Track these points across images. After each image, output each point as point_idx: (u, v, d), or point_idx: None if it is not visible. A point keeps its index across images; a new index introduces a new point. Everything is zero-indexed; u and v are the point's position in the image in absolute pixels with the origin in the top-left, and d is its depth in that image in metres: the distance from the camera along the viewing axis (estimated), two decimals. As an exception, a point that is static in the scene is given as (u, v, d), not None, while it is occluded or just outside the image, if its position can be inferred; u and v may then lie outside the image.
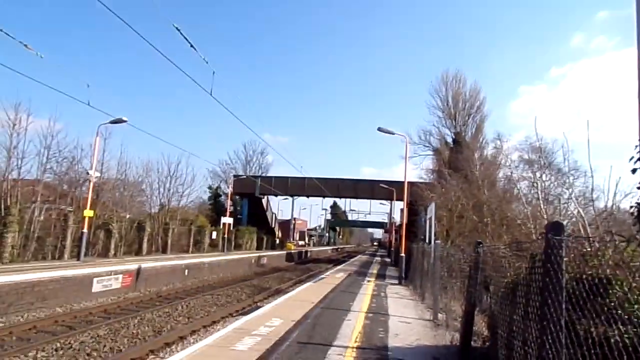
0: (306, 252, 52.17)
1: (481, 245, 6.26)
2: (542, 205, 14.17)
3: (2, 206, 17.42)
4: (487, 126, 33.40)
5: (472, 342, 6.11)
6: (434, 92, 34.50)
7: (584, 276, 3.20)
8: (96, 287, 14.59)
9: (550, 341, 2.86)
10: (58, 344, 8.64)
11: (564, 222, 6.27)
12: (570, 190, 11.84)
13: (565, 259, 3.01)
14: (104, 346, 8.78)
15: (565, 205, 13.23)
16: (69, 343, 8.79)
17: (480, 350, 5.86)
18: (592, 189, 8.98)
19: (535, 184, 15.04)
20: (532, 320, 3.32)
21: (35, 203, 19.66)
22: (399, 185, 33.65)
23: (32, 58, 19.94)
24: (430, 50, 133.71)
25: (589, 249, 3.76)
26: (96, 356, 8.12)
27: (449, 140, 33.59)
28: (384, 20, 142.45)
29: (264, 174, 54.98)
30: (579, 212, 9.09)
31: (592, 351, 2.78)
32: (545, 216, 13.30)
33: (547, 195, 15.05)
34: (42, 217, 19.57)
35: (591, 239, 4.36)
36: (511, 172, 17.73)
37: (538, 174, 14.97)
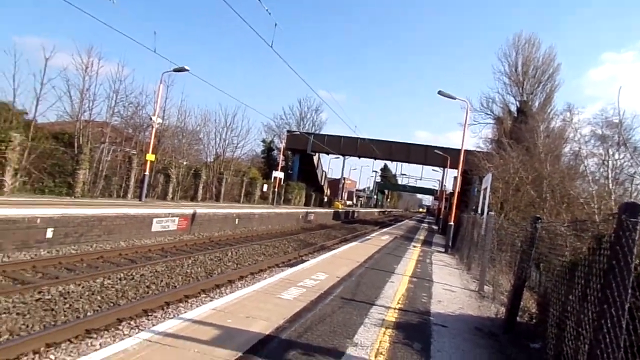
0: (353, 212, 52.62)
1: (539, 220, 6.00)
2: (610, 185, 13.23)
3: (75, 145, 18.75)
4: (558, 96, 31.06)
5: (517, 317, 6.00)
6: (503, 56, 32.26)
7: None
8: (155, 226, 15.64)
9: (609, 325, 2.72)
10: (121, 274, 9.45)
11: None
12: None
13: (638, 242, 2.81)
14: (161, 281, 9.49)
15: (639, 186, 12.27)
16: (131, 274, 9.58)
17: (527, 326, 5.75)
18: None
19: (605, 162, 14.01)
20: (591, 302, 3.18)
21: (104, 144, 21.00)
22: (454, 152, 32.61)
23: (104, 3, 20.57)
24: (503, 12, 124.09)
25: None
26: (154, 289, 8.80)
27: (513, 109, 31.67)
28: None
29: (317, 131, 55.09)
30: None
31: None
32: (613, 197, 12.44)
33: (618, 175, 14.00)
34: (109, 158, 20.93)
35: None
36: (579, 147, 16.56)
37: (611, 151, 13.89)
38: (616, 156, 14.10)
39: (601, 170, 14.75)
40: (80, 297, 7.46)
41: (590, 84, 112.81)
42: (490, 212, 11.28)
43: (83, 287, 8.13)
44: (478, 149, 29.60)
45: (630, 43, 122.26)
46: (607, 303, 2.77)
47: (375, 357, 4.34)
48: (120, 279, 9.10)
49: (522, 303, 6.06)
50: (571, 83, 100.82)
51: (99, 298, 7.61)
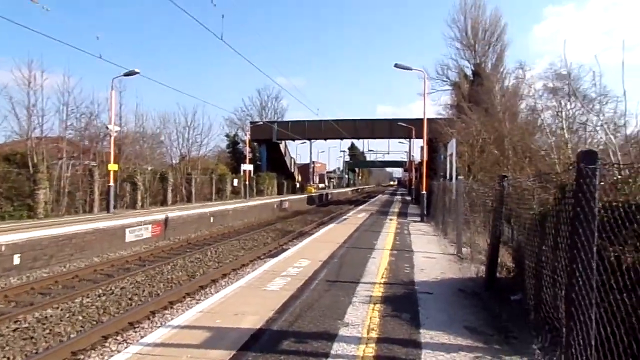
0: (326, 194, 52.90)
1: (506, 178, 6.20)
2: (566, 135, 13.78)
3: (30, 164, 17.89)
4: (508, 55, 31.74)
5: (497, 273, 6.24)
6: (452, 22, 32.65)
7: (616, 204, 3.16)
8: (129, 237, 15.25)
9: (580, 268, 2.87)
10: (100, 290, 9.20)
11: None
12: (599, 117, 11.39)
13: (598, 187, 2.95)
14: (143, 291, 9.32)
15: (592, 133, 12.83)
16: (110, 289, 9.35)
17: (506, 280, 5.98)
18: (625, 114, 8.61)
19: (559, 113, 14.54)
20: (562, 250, 3.33)
21: (62, 159, 20.15)
22: (417, 122, 33.02)
23: (38, 13, 19.48)
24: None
25: (620, 176, 3.68)
26: (137, 300, 8.64)
27: (469, 73, 32.25)
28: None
29: (280, 119, 54.66)
30: (609, 138, 8.79)
31: (625, 277, 2.80)
32: (569, 146, 12.97)
33: (572, 124, 14.58)
34: (69, 173, 20.12)
35: (623, 165, 4.25)
36: (534, 102, 17.10)
37: (563, 102, 14.42)
38: (568, 106, 14.67)
39: (556, 121, 15.31)
40: (60, 320, 7.23)
41: (537, 40, 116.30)
42: (459, 177, 11.59)
43: (61, 309, 7.88)
44: (440, 117, 30.15)
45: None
46: (577, 248, 2.91)
47: (368, 333, 4.42)
48: (99, 296, 8.87)
49: (499, 259, 6.29)
50: (520, 40, 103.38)
51: (80, 318, 7.41)
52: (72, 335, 6.55)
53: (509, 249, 6.56)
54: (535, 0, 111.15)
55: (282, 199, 36.00)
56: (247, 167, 34.88)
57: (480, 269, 7.07)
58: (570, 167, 3.54)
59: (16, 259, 10.70)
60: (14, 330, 6.71)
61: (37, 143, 19.62)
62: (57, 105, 22.12)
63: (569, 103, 14.65)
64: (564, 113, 14.24)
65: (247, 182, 34.93)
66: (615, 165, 4.19)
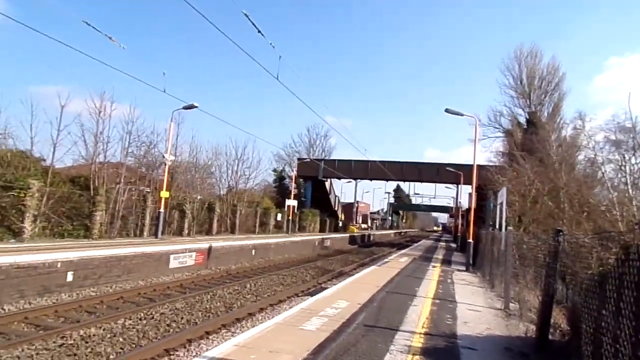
0: (369, 235, 52.16)
1: (561, 233, 5.86)
2: (630, 191, 12.94)
3: (91, 187, 19.11)
4: (566, 105, 30.80)
5: (549, 335, 5.79)
6: (506, 69, 32.35)
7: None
8: (173, 263, 15.66)
9: (647, 340, 2.62)
10: (142, 314, 9.42)
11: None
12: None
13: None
14: (181, 318, 9.43)
15: (660, 191, 11.99)
16: (151, 314, 9.54)
17: (559, 343, 5.53)
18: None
19: (622, 167, 13.75)
20: (626, 317, 3.06)
21: (119, 184, 21.35)
22: (466, 168, 32.39)
23: (115, 49, 21.29)
24: (504, 25, 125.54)
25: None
26: (175, 327, 8.74)
27: (522, 120, 31.46)
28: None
29: (327, 157, 55.39)
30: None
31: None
32: (634, 202, 12.15)
33: (637, 180, 13.70)
34: (124, 197, 21.23)
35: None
36: (594, 154, 16.29)
37: (627, 156, 13.65)
38: (633, 160, 13.86)
39: (619, 176, 14.46)
40: (102, 340, 7.43)
41: (598, 90, 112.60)
42: (508, 227, 11.09)
43: (104, 329, 8.11)
44: (490, 163, 29.36)
45: (633, 46, 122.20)
46: (643, 317, 2.66)
47: (405, 386, 4.20)
48: (140, 319, 9.06)
49: (552, 320, 5.86)
50: (580, 90, 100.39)
51: (120, 340, 7.57)
52: (111, 357, 6.70)
53: (562, 309, 6.11)
54: (597, 51, 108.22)
55: (324, 236, 35.86)
56: (291, 202, 35.30)
57: (530, 327, 6.60)
58: (636, 227, 3.31)
59: (69, 276, 11.25)
60: (60, 346, 6.96)
61: (99, 167, 20.98)
62: (121, 133, 23.75)
63: (633, 157, 13.86)
64: (627, 167, 13.47)
65: (290, 218, 35.25)
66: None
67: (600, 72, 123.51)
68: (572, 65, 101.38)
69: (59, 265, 10.94)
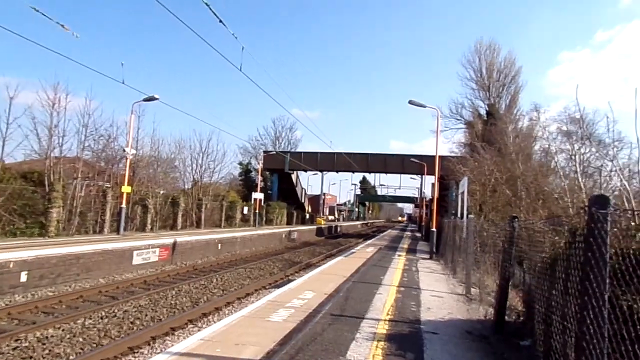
0: (336, 227, 52.58)
1: (516, 219, 6.13)
2: (580, 179, 13.65)
3: (46, 183, 18.24)
4: (522, 97, 32.21)
5: (506, 317, 6.06)
6: (467, 63, 33.34)
7: (630, 251, 3.09)
8: (136, 259, 15.25)
9: (591, 316, 2.78)
10: (103, 313, 9.14)
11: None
12: (613, 162, 11.30)
13: (610, 233, 2.90)
14: (146, 315, 9.23)
15: (607, 178, 12.70)
16: (113, 312, 9.28)
17: (515, 324, 5.81)
18: (638, 161, 8.54)
19: (573, 157, 14.47)
20: (572, 296, 3.25)
21: (77, 179, 20.49)
22: (429, 159, 33.14)
23: (68, 38, 20.31)
24: (463, 19, 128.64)
25: (634, 223, 3.62)
26: (139, 324, 8.55)
27: (482, 112, 32.53)
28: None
29: (293, 150, 55.23)
30: (623, 184, 8.68)
31: (638, 327, 2.70)
32: (583, 189, 12.83)
33: (587, 169, 14.46)
34: (82, 193, 20.41)
35: (637, 212, 4.18)
36: (548, 145, 17.08)
37: (577, 146, 14.39)
38: (582, 150, 14.61)
39: (570, 165, 15.22)
40: (61, 341, 7.17)
41: (551, 84, 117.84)
42: (469, 215, 11.47)
43: (63, 330, 7.82)
44: (452, 154, 30.24)
45: (584, 40, 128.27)
46: (588, 295, 2.83)
47: (369, 371, 4.30)
48: (101, 318, 8.80)
49: (508, 302, 6.13)
50: (535, 83, 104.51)
51: (80, 340, 7.33)
52: (71, 358, 6.48)
53: (520, 292, 6.41)
54: (550, 45, 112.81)
55: (291, 229, 35.86)
56: (258, 195, 35.03)
57: (489, 311, 6.89)
58: (582, 211, 3.50)
59: (23, 277, 10.74)
60: (14, 349, 6.66)
61: (55, 162, 20.05)
62: (77, 126, 22.72)
63: (583, 147, 14.62)
64: (577, 157, 14.17)
65: (257, 211, 35.00)
66: (629, 212, 4.13)
67: (553, 66, 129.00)
68: (527, 59, 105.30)
69: (11, 265, 10.42)
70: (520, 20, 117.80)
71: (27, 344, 6.93)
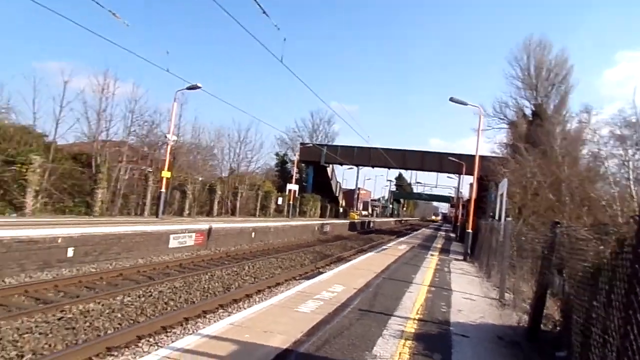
0: (369, 222, 52.34)
1: (559, 225, 5.86)
2: (632, 186, 12.91)
3: (93, 165, 19.16)
4: (573, 98, 30.59)
5: (541, 325, 5.84)
6: (514, 60, 31.91)
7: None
8: (172, 243, 15.78)
9: (636, 331, 2.63)
10: (140, 292, 9.53)
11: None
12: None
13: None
14: (180, 297, 9.54)
15: (662, 187, 11.95)
16: (150, 292, 9.65)
17: (551, 334, 5.58)
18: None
19: (626, 163, 13.70)
20: (616, 308, 3.08)
21: (121, 163, 21.39)
22: (468, 158, 32.26)
23: (119, 26, 21.09)
24: (513, 15, 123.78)
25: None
26: (173, 305, 8.85)
27: (528, 112, 31.19)
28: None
29: (330, 143, 55.22)
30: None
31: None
32: (635, 198, 12.14)
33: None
34: (126, 176, 21.30)
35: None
36: (598, 149, 16.23)
37: (631, 152, 13.59)
38: (637, 156, 13.79)
39: (622, 171, 14.41)
40: (101, 315, 7.54)
41: (606, 84, 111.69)
42: (507, 218, 11.10)
43: (103, 305, 8.22)
44: (493, 154, 29.26)
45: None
46: (633, 308, 2.68)
47: (395, 369, 4.27)
48: (139, 296, 9.18)
49: (545, 311, 5.90)
50: (587, 84, 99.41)
51: (118, 316, 7.68)
52: (109, 332, 6.80)
53: (558, 301, 6.15)
54: (607, 44, 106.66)
55: (325, 222, 36.00)
56: (292, 186, 35.35)
57: (523, 317, 6.66)
58: (632, 220, 3.31)
59: (70, 252, 11.36)
60: (59, 319, 7.07)
61: (102, 146, 21.00)
62: (123, 112, 23.69)
63: (638, 153, 13.79)
64: (631, 163, 13.42)
65: (291, 202, 35.33)
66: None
67: (610, 66, 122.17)
68: (581, 59, 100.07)
69: (59, 240, 11.04)
70: (575, 17, 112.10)
71: (70, 316, 7.33)
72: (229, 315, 7.14)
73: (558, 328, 5.60)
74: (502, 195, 13.59)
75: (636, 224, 2.90)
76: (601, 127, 16.72)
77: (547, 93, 31.01)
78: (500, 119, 32.97)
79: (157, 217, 20.35)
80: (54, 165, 17.13)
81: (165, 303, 8.92)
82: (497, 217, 13.74)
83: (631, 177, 12.85)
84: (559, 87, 30.69)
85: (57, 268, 10.89)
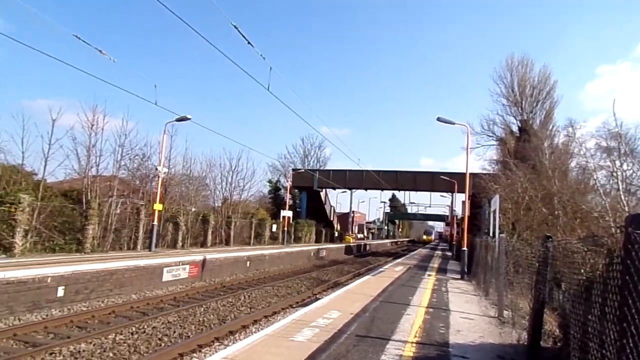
0: (365, 245, 52.01)
1: (550, 239, 5.86)
2: (622, 197, 13.02)
3: (84, 200, 18.97)
4: (558, 112, 31.10)
5: (541, 342, 5.76)
6: (498, 78, 32.70)
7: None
8: (166, 276, 15.52)
9: (631, 345, 2.60)
10: (133, 328, 9.30)
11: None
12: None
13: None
14: (174, 332, 9.32)
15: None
16: (143, 328, 9.43)
17: (552, 350, 5.50)
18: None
19: (614, 174, 13.84)
20: (610, 322, 3.05)
21: (112, 197, 21.21)
22: (460, 176, 32.48)
23: (106, 62, 21.29)
24: (494, 35, 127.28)
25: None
26: (167, 341, 8.64)
27: (515, 129, 31.72)
28: (444, 4, 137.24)
29: (322, 167, 55.34)
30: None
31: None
32: (626, 208, 12.21)
33: (629, 186, 13.80)
34: (118, 211, 21.08)
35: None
36: (586, 161, 16.42)
37: (618, 163, 13.76)
38: (624, 167, 13.96)
39: (611, 182, 14.56)
40: (92, 356, 7.33)
41: (589, 98, 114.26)
42: (501, 234, 11.10)
43: (94, 344, 8.00)
44: (484, 171, 29.52)
45: (625, 54, 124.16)
46: (627, 321, 2.66)
47: (395, 396, 4.16)
48: (132, 333, 8.95)
49: (545, 326, 5.83)
50: (572, 97, 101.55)
51: (110, 355, 7.47)
52: (100, 372, 6.60)
53: (557, 316, 6.09)
54: (589, 59, 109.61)
55: (320, 247, 35.71)
56: (286, 213, 35.17)
57: (523, 335, 6.57)
58: (618, 231, 3.32)
59: (60, 291, 11.11)
60: (48, 362, 6.85)
61: (92, 181, 20.85)
62: (113, 146, 23.62)
63: (625, 163, 13.97)
64: (619, 174, 13.56)
65: (285, 228, 35.09)
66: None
67: (591, 80, 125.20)
68: (564, 73, 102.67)
69: (49, 280, 10.81)
70: (557, 34, 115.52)
71: (60, 358, 7.12)
72: (224, 348, 6.97)
73: (559, 344, 5.52)
74: (494, 211, 13.63)
75: (623, 235, 2.92)
76: (587, 139, 16.98)
77: (533, 109, 31.64)
78: (489, 135, 33.44)
79: (150, 250, 20.07)
80: (43, 203, 16.94)
81: (159, 339, 8.71)
82: (491, 234, 13.74)
83: (621, 188, 12.97)
84: (544, 102, 31.36)
85: (47, 308, 10.62)
